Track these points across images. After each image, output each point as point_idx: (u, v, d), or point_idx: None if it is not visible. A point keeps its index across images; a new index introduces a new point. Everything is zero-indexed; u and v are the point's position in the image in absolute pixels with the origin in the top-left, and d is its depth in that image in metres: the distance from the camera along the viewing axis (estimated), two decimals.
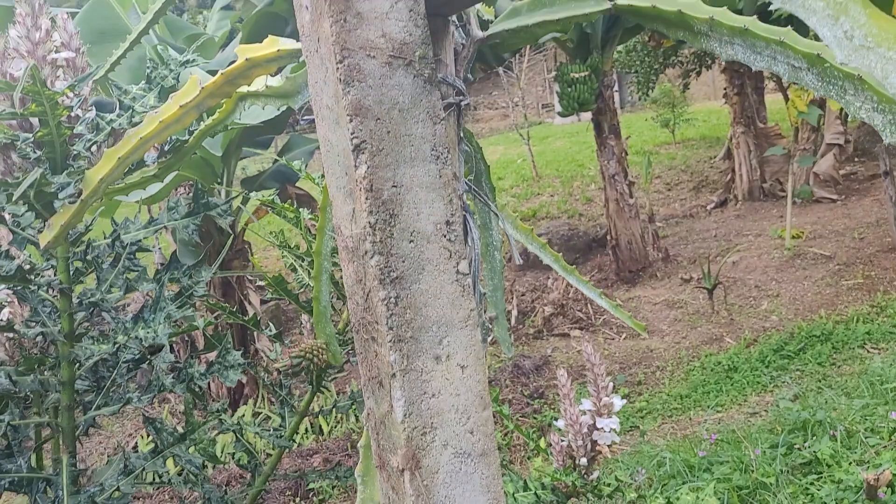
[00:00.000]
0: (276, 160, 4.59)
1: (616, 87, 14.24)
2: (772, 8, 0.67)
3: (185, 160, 1.43)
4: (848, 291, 4.79)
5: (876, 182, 6.54)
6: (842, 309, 4.56)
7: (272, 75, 1.19)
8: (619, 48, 7.98)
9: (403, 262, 0.91)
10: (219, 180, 4.19)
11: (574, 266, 6.32)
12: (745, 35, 0.85)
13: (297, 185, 4.91)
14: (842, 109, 5.79)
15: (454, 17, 1.08)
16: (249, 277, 4.98)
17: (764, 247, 5.85)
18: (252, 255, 4.94)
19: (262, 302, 5.36)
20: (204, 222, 4.31)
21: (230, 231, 4.53)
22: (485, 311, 1.40)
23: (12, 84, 1.14)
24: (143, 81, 1.37)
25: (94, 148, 1.30)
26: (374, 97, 0.89)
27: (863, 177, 7.00)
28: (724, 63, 7.10)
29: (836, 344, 4.12)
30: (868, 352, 4.00)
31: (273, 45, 1.13)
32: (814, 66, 0.80)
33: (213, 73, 4.14)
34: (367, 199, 0.89)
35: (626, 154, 6.06)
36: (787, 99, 5.94)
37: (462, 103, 1.07)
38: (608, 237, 6.19)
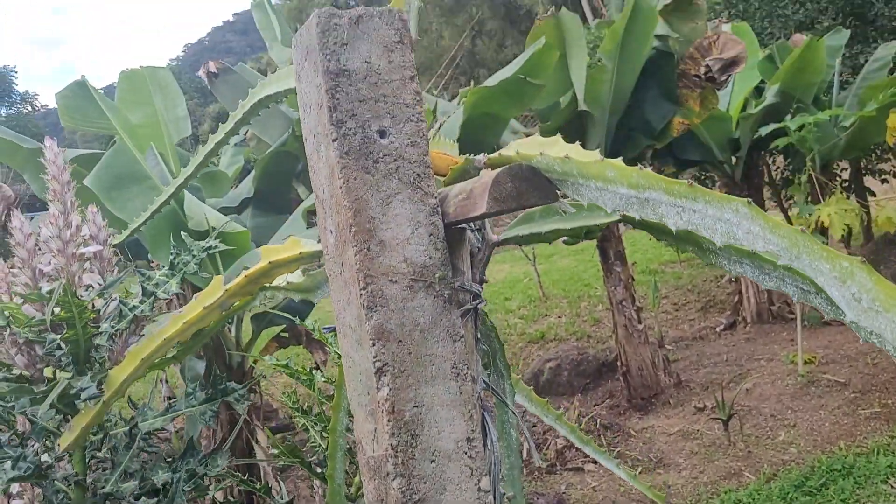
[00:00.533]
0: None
1: None
2: (780, 264, 0.70)
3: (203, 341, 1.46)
4: (866, 421, 4.70)
5: None
6: (861, 440, 4.46)
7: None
8: None
9: (425, 483, 0.91)
10: (230, 320, 4.22)
11: (585, 392, 6.22)
12: (753, 257, 0.88)
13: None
14: (845, 232, 5.88)
15: (471, 224, 1.13)
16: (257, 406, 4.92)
17: (777, 372, 5.79)
18: (260, 387, 4.90)
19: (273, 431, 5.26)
20: (210, 347, 4.31)
21: (239, 365, 4.52)
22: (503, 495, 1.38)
23: (45, 296, 1.19)
24: (166, 267, 1.42)
25: (115, 337, 1.33)
26: (396, 320, 0.92)
27: None
28: (723, 190, 7.26)
29: (858, 479, 4.01)
30: (892, 487, 3.88)
31: (295, 247, 1.17)
32: (821, 292, 0.82)
33: (225, 210, 4.22)
34: (388, 420, 0.90)
35: (633, 280, 6.11)
36: (789, 221, 6.03)
37: (479, 306, 1.10)
38: (618, 363, 6.14)
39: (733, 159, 6.97)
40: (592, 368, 6.87)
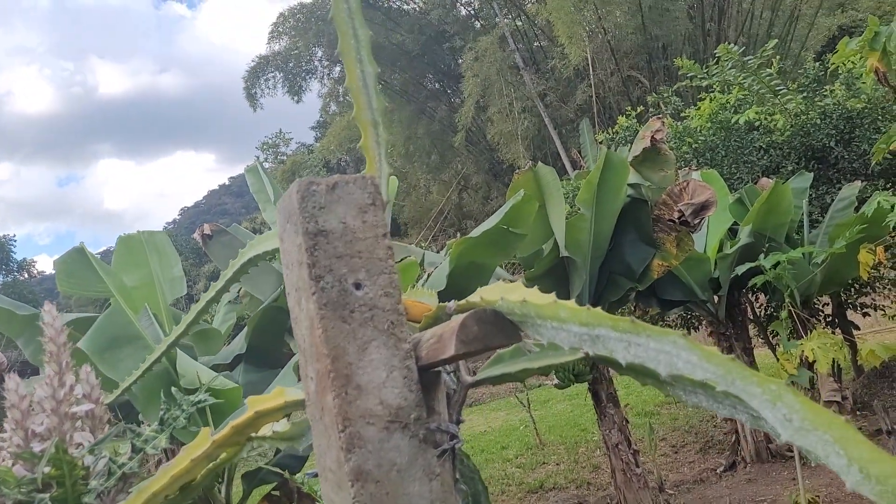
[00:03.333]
0: (277, 450, 4.56)
1: None
2: (717, 392, 0.77)
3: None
4: None
5: (882, 436, 6.46)
6: None
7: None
8: None
9: None
10: (220, 479, 4.13)
11: None
12: (705, 387, 0.95)
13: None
14: (832, 365, 5.91)
15: (445, 367, 1.19)
16: None
17: None
18: None
19: None
20: None
21: None
22: None
23: (37, 455, 1.23)
24: (156, 423, 1.46)
25: (104, 495, 1.35)
26: (374, 461, 0.97)
27: (867, 432, 6.91)
28: (709, 329, 7.36)
29: None
30: None
31: (280, 397, 1.23)
32: (761, 416, 0.88)
33: (217, 367, 4.24)
34: None
35: (628, 422, 6.06)
36: (776, 357, 6.09)
37: (456, 446, 1.14)
38: None
39: (715, 298, 7.12)
40: None
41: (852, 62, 7.71)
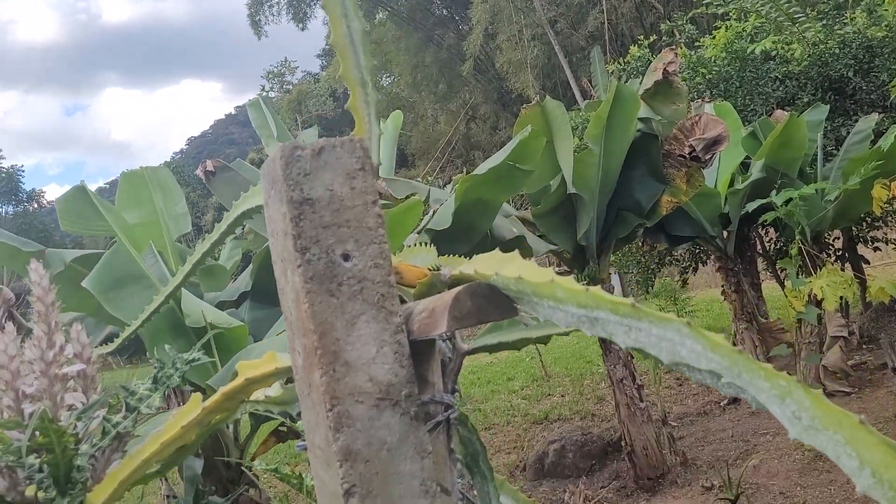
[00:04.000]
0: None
1: (618, 285, 14.58)
2: (722, 382, 0.72)
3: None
4: None
5: (887, 371, 6.49)
6: None
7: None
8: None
9: None
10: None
11: (590, 474, 6.10)
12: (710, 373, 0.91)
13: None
14: (840, 301, 5.88)
15: (441, 334, 1.15)
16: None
17: (783, 447, 5.69)
18: (259, 480, 4.82)
19: None
20: (209, 447, 4.25)
21: (238, 463, 4.46)
22: None
23: (22, 423, 1.20)
24: (149, 380, 1.44)
25: (98, 456, 1.33)
26: (363, 440, 0.93)
27: (873, 366, 6.95)
28: (717, 263, 7.32)
29: None
30: None
31: (271, 362, 1.20)
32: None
33: (223, 304, 4.23)
34: None
35: (632, 357, 6.08)
36: (785, 294, 6.07)
37: (451, 416, 1.11)
38: (622, 443, 6.05)
39: (724, 234, 7.05)
40: (597, 449, 6.76)
41: None
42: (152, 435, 1.18)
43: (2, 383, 1.29)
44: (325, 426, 0.92)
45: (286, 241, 0.96)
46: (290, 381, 1.44)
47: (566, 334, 1.54)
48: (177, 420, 1.17)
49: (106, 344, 3.95)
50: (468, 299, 0.92)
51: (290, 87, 44.40)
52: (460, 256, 1.34)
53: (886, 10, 7.85)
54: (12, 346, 1.34)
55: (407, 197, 5.06)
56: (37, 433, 1.16)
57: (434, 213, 5.23)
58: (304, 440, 1.06)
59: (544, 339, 1.09)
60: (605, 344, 6.03)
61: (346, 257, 0.96)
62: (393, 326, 0.97)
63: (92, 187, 5.16)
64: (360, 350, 0.95)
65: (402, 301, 1.16)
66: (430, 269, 1.27)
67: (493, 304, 0.93)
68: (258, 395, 1.28)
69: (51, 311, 1.36)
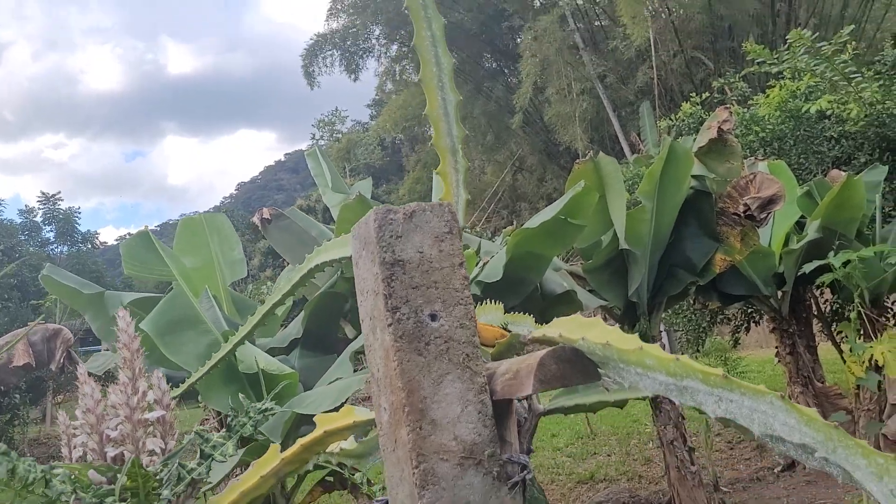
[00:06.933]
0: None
1: (667, 341, 14.32)
2: (816, 457, 0.72)
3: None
4: None
5: None
6: None
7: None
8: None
9: None
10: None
11: None
12: (802, 446, 0.91)
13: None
14: None
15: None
16: None
17: None
18: None
19: None
20: None
21: None
22: None
23: (114, 468, 1.25)
24: (213, 418, 1.48)
25: (173, 498, 1.37)
26: (447, 499, 0.95)
27: None
28: (771, 324, 7.17)
29: None
30: None
31: (349, 416, 1.23)
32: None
33: (274, 350, 4.29)
34: None
35: (683, 418, 5.95)
36: (842, 356, 5.91)
37: (527, 476, 1.12)
38: None
39: (779, 293, 6.92)
40: None
41: None
42: (231, 485, 1.21)
43: (87, 427, 1.34)
44: (411, 483, 0.94)
45: (377, 301, 0.99)
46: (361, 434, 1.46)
47: (643, 399, 1.53)
48: (255, 470, 1.20)
49: None
50: (553, 363, 0.94)
51: (340, 135, 45.41)
52: (513, 311, 1.37)
53: None
54: (97, 391, 1.40)
55: None
56: (124, 479, 1.20)
57: (485, 265, 5.26)
58: (382, 497, 1.07)
59: (621, 404, 1.10)
60: (655, 402, 5.92)
61: (433, 317, 0.99)
62: (477, 386, 0.99)
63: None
64: (445, 409, 0.97)
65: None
66: (501, 328, 1.30)
67: (577, 368, 0.95)
68: (333, 447, 1.31)
69: (136, 357, 1.42)
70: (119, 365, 1.42)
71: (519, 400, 1.19)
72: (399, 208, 1.02)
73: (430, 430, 0.95)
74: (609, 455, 8.83)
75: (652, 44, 22.40)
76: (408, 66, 33.62)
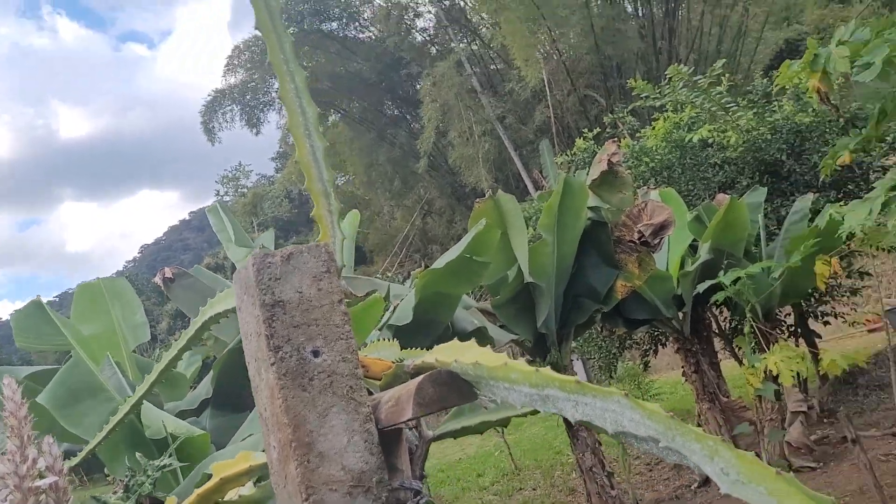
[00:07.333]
0: None
1: (582, 371, 14.65)
2: (661, 447, 0.80)
3: None
4: None
5: (848, 444, 6.59)
6: None
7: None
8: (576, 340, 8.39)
9: None
10: None
11: None
12: (653, 440, 0.99)
13: None
14: (796, 376, 6.02)
15: (407, 423, 1.22)
16: None
17: None
18: None
19: None
20: None
21: None
22: None
23: None
24: (121, 490, 1.46)
25: None
26: None
27: (835, 439, 7.06)
28: (676, 345, 7.47)
29: None
30: None
31: (245, 461, 1.24)
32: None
33: (183, 413, 4.19)
34: None
35: (600, 444, 6.09)
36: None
37: (421, 502, 1.16)
38: None
39: (680, 315, 7.23)
40: None
41: (799, 78, 7.94)
42: None
43: None
44: None
45: (260, 342, 1.03)
46: (261, 479, 1.47)
47: (524, 415, 1.60)
48: None
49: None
50: (431, 386, 1.00)
51: (246, 189, 44.78)
52: (422, 350, 1.42)
53: (811, 97, 8.39)
54: None
55: (367, 294, 5.12)
56: None
57: (395, 308, 5.30)
58: None
59: (504, 422, 1.16)
60: (573, 432, 6.05)
61: (315, 353, 1.03)
62: (362, 416, 1.04)
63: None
64: (332, 440, 1.01)
65: (370, 393, 1.23)
66: (394, 362, 1.34)
67: (454, 389, 1.00)
68: (231, 494, 1.31)
69: (23, 425, 1.39)
70: (6, 434, 1.38)
71: (410, 428, 1.24)
72: (277, 252, 1.07)
73: (317, 462, 0.99)
74: (535, 489, 8.90)
75: (546, 84, 23.28)
76: None
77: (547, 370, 0.88)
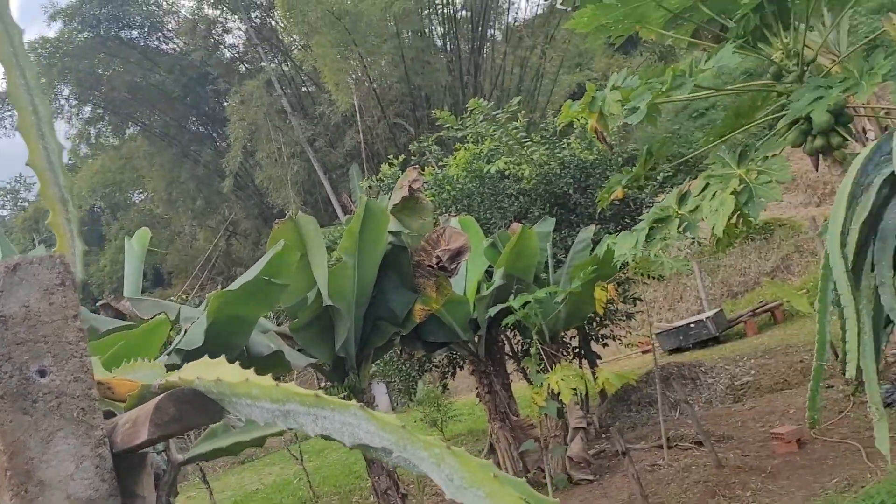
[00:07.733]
0: None
1: (384, 394, 14.74)
2: (393, 457, 0.82)
3: None
4: None
5: (619, 457, 7.15)
6: None
7: None
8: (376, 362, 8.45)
9: None
10: None
11: None
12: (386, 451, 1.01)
13: None
14: (576, 394, 6.44)
15: (154, 447, 1.15)
16: None
17: None
18: None
19: None
20: None
21: None
22: None
23: None
24: None
25: None
26: None
27: (610, 453, 7.63)
28: (471, 366, 7.74)
29: None
30: None
31: None
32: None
33: None
34: None
35: (396, 467, 6.14)
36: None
37: None
38: None
39: (476, 338, 7.51)
40: None
41: (581, 118, 8.59)
42: None
43: None
44: None
45: None
46: None
47: (280, 435, 1.58)
48: None
49: None
50: (171, 405, 0.95)
51: (27, 203, 40.70)
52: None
53: (593, 136, 9.13)
54: None
55: (154, 316, 4.84)
56: None
57: (186, 331, 5.04)
58: None
59: (259, 442, 1.14)
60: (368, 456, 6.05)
61: (42, 373, 0.95)
62: (94, 440, 0.97)
63: None
64: (56, 468, 0.93)
65: (113, 415, 1.15)
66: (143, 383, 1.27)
67: (197, 409, 0.96)
68: None
69: None
70: None
71: (157, 452, 1.18)
72: (1, 263, 0.97)
73: (37, 491, 0.91)
74: None
75: (357, 110, 23.47)
76: (105, 129, 31.41)
77: (289, 385, 0.87)
